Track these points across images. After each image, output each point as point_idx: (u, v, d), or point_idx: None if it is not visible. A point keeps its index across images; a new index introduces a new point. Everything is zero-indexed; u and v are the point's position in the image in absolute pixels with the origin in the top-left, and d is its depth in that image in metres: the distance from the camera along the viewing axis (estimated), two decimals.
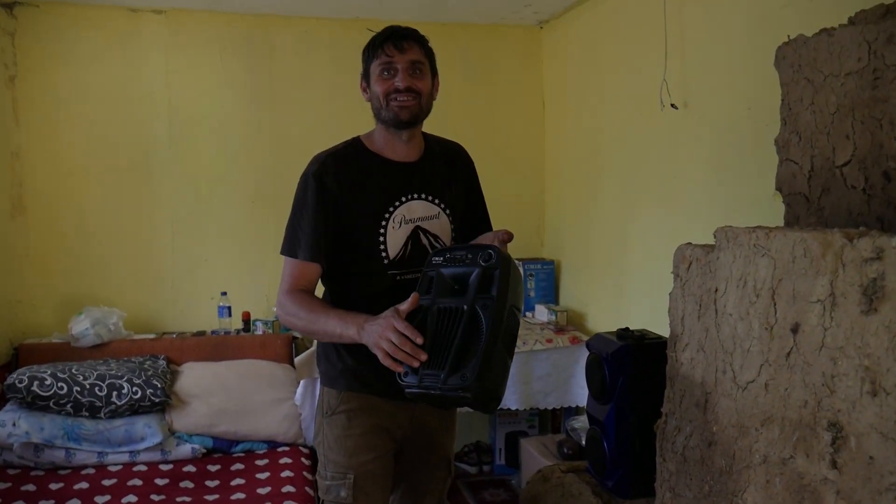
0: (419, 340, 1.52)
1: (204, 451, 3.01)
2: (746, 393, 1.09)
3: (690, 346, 1.23)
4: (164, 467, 2.89)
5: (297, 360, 3.11)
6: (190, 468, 2.89)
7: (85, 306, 3.44)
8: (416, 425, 1.90)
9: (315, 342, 3.06)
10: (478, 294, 1.56)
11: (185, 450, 2.97)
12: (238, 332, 3.62)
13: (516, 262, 1.68)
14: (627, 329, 1.90)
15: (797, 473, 0.99)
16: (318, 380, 3.06)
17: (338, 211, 1.77)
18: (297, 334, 3.62)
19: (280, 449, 3.07)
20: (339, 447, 1.83)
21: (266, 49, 3.77)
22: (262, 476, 2.81)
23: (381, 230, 1.79)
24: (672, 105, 2.75)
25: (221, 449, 3.05)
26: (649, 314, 3.03)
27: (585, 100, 3.61)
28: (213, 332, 3.60)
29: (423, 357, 1.52)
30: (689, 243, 1.30)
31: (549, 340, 3.29)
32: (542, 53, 4.11)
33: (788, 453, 1.01)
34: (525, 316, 3.71)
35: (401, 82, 1.75)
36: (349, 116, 3.84)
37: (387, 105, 1.77)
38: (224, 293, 3.62)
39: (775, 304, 1.04)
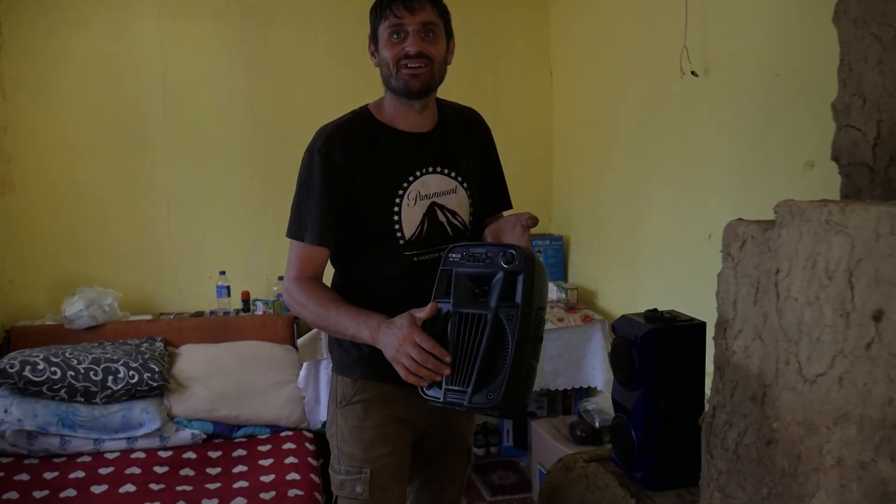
0: (447, 359, 1.44)
1: (204, 436, 2.90)
2: (816, 387, 0.97)
3: (745, 332, 1.11)
4: (163, 454, 2.78)
5: (299, 341, 2.99)
6: (190, 455, 2.78)
7: (79, 287, 3.32)
8: (435, 414, 1.78)
9: None
10: (501, 301, 1.45)
11: (185, 436, 2.86)
12: (237, 312, 3.50)
13: (539, 258, 1.55)
14: (656, 310, 1.77)
15: (880, 479, 0.88)
16: (321, 362, 2.99)
17: (347, 188, 1.64)
18: None
19: (283, 434, 2.96)
20: (355, 439, 1.72)
21: (263, 16, 3.61)
22: (266, 462, 2.70)
23: (396, 207, 1.66)
24: (692, 72, 2.60)
25: (222, 434, 2.94)
26: (666, 291, 2.92)
27: (596, 69, 3.46)
28: (211, 313, 3.48)
29: (447, 372, 1.44)
30: (741, 219, 1.18)
31: (560, 319, 3.17)
32: (549, 20, 3.95)
33: (869, 456, 0.89)
34: None
35: (412, 47, 1.59)
36: (351, 87, 3.72)
37: (397, 72, 1.62)
38: (222, 272, 3.50)
39: (853, 289, 0.92)
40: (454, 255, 1.54)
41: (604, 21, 3.37)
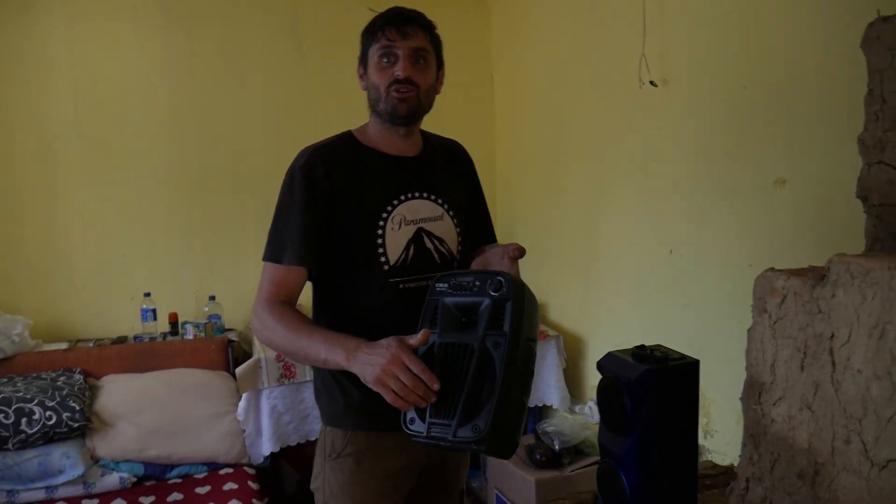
0: (435, 387, 1.29)
1: (134, 479, 2.63)
2: (887, 473, 0.86)
3: (788, 401, 1.00)
4: (88, 503, 2.50)
5: (238, 370, 2.76)
6: (119, 502, 2.51)
7: None
8: (432, 460, 1.67)
9: (274, 356, 2.74)
10: (488, 330, 1.34)
11: (112, 480, 2.59)
12: (165, 336, 3.23)
13: (530, 289, 1.44)
14: (643, 347, 1.65)
15: None
16: (262, 391, 2.77)
17: (329, 208, 1.55)
18: (233, 337, 3.26)
19: (223, 471, 2.72)
20: (346, 495, 1.59)
21: (185, 16, 3.33)
22: None
23: (380, 231, 1.57)
24: (651, 82, 2.51)
25: (154, 475, 2.68)
26: (623, 307, 2.84)
27: (545, 75, 3.34)
28: (136, 338, 3.20)
29: (433, 399, 1.31)
30: (773, 269, 1.06)
31: None
32: (491, 21, 3.81)
33: None
34: None
35: (401, 71, 1.54)
36: (289, 96, 3.50)
37: (386, 97, 1.56)
38: (147, 294, 3.21)
39: None
40: (441, 285, 1.43)
41: (553, 25, 3.25)
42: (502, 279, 1.37)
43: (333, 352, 1.40)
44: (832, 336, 0.93)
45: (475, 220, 1.79)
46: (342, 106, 3.45)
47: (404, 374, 1.30)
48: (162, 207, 3.36)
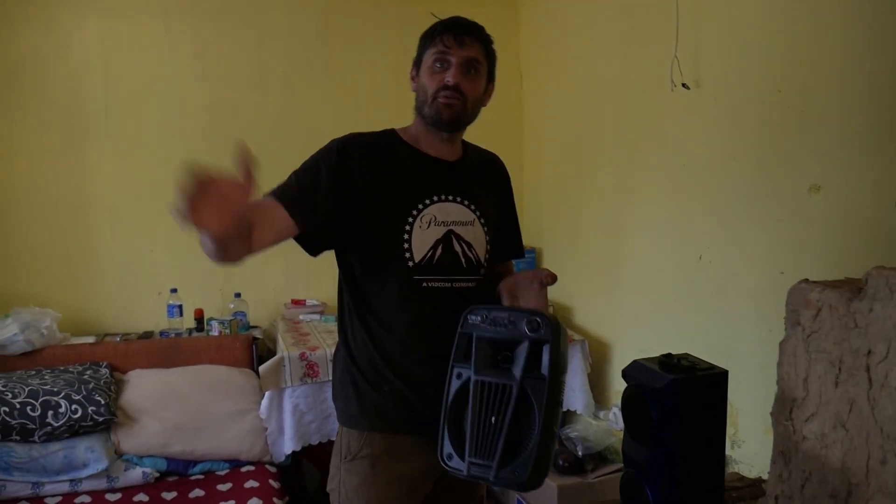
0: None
1: (157, 474, 2.65)
2: None
3: (821, 417, 0.96)
4: (111, 497, 2.52)
5: (261, 368, 2.76)
6: (141, 497, 2.53)
7: (12, 308, 3.01)
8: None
9: (298, 355, 2.73)
10: (526, 372, 1.36)
11: (136, 475, 2.61)
12: (190, 332, 3.25)
13: (562, 324, 1.45)
14: (670, 355, 1.62)
15: None
16: (285, 390, 2.77)
17: (357, 198, 1.54)
18: (258, 334, 3.27)
19: (244, 469, 2.73)
20: (360, 498, 1.58)
21: (215, 12, 3.35)
22: None
23: (407, 227, 1.57)
24: (683, 85, 2.47)
25: (177, 471, 2.69)
26: (650, 312, 2.79)
27: (573, 76, 3.30)
28: (161, 334, 3.22)
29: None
30: (807, 280, 1.02)
31: None
32: (519, 22, 3.79)
33: None
34: None
35: (451, 78, 1.55)
36: (315, 94, 3.50)
37: (432, 101, 1.57)
38: (174, 290, 3.23)
39: None
40: (474, 318, 1.43)
41: (583, 25, 3.21)
42: (539, 319, 1.39)
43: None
44: (869, 352, 0.89)
45: (505, 233, 1.77)
46: (369, 105, 3.46)
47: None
48: None
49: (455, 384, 1.42)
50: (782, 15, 2.09)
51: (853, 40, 1.86)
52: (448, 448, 1.40)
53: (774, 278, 2.13)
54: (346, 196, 1.54)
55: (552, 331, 1.37)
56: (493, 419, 1.36)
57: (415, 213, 1.58)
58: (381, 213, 1.56)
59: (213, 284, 3.41)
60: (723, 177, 2.36)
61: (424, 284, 1.58)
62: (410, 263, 1.57)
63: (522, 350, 1.37)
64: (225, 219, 1.16)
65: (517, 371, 1.37)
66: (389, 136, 1.66)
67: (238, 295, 3.33)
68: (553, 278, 1.56)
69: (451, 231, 1.61)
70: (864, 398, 0.90)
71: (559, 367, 1.39)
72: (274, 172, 3.39)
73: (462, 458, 1.37)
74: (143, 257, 3.34)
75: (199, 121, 3.36)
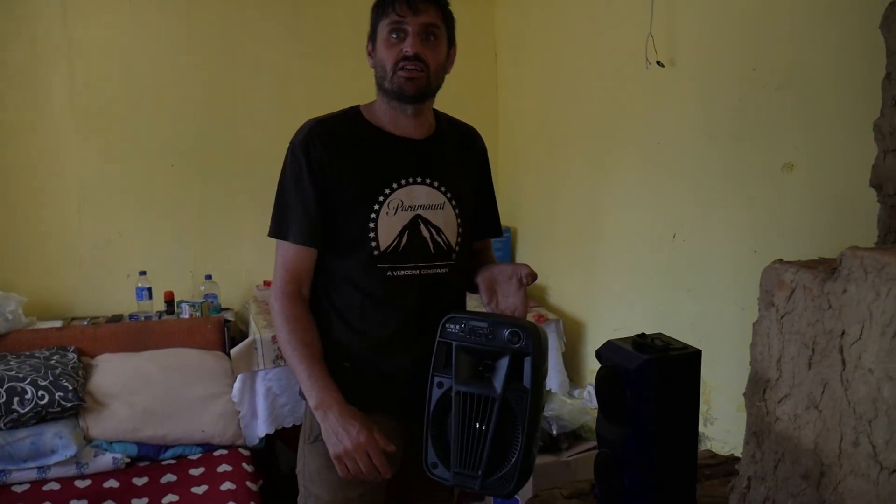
0: (387, 475, 1.48)
1: (128, 460, 2.60)
2: None
3: (794, 399, 0.95)
4: (80, 484, 2.48)
5: (233, 351, 2.73)
6: (112, 483, 2.49)
7: None
8: (415, 444, 1.61)
9: (270, 337, 2.70)
10: (509, 384, 1.39)
11: (106, 461, 2.56)
12: (160, 315, 3.19)
13: (543, 329, 1.49)
14: (644, 335, 1.61)
15: None
16: (258, 373, 2.73)
17: (326, 186, 1.52)
18: (230, 317, 3.23)
19: (217, 453, 2.70)
20: (322, 479, 1.56)
21: None
22: (199, 490, 2.44)
23: (373, 214, 1.52)
24: (658, 63, 2.45)
25: (148, 456, 2.65)
26: (624, 292, 2.79)
27: (549, 53, 3.27)
28: (131, 317, 3.16)
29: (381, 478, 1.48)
30: (781, 261, 1.01)
31: None
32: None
33: None
34: None
35: (410, 48, 1.48)
36: (288, 73, 3.42)
37: (392, 74, 1.50)
38: (143, 272, 3.17)
39: None
40: (452, 327, 1.45)
41: (557, 3, 3.17)
42: (519, 331, 1.40)
43: (309, 391, 1.48)
44: (843, 333, 0.89)
45: (481, 212, 1.73)
46: (343, 84, 3.38)
47: (364, 462, 1.44)
48: (159, 185, 3.31)
49: (436, 393, 1.44)
50: None
51: (828, 18, 1.85)
52: (432, 457, 1.44)
53: (748, 257, 2.13)
54: (322, 189, 1.52)
55: (534, 343, 1.39)
56: (476, 429, 1.39)
57: (381, 198, 1.53)
58: (346, 200, 1.52)
59: (183, 266, 3.36)
60: (697, 155, 2.35)
61: (390, 273, 1.54)
62: (376, 252, 1.53)
63: (504, 362, 1.39)
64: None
65: (498, 383, 1.39)
66: (353, 117, 1.59)
67: (209, 277, 3.28)
68: (533, 277, 1.54)
69: (418, 216, 1.56)
70: (838, 379, 0.89)
71: (541, 378, 1.42)
72: (243, 150, 3.33)
73: (447, 467, 1.42)
74: (112, 239, 3.28)
75: (168, 99, 3.29)
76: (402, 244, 1.55)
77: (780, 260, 1.01)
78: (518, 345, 1.39)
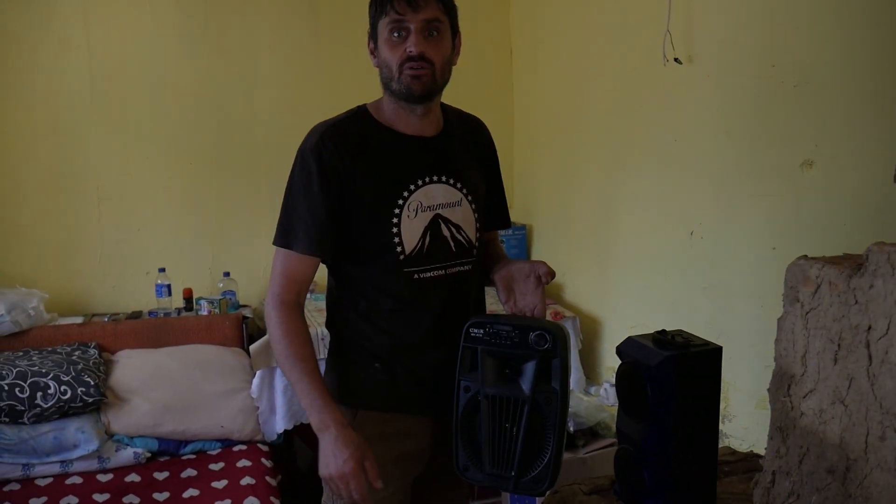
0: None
1: (149, 454, 2.64)
2: None
3: (819, 394, 0.96)
4: (102, 478, 2.51)
5: (252, 347, 2.75)
6: (133, 477, 2.52)
7: None
8: (440, 447, 1.63)
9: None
10: (537, 386, 1.42)
11: (127, 455, 2.60)
12: (179, 312, 3.22)
13: (566, 328, 1.53)
14: (664, 331, 1.61)
15: None
16: (276, 369, 2.75)
17: (340, 193, 1.48)
18: (248, 313, 3.25)
19: (236, 448, 2.72)
20: None
21: None
22: (219, 485, 2.46)
23: (395, 219, 1.50)
24: (676, 59, 2.45)
25: (168, 451, 2.68)
26: (641, 289, 2.79)
27: (564, 49, 3.27)
28: (150, 314, 3.20)
29: None
30: (806, 256, 1.02)
31: None
32: None
33: None
34: None
35: (413, 47, 1.43)
36: (305, 71, 3.44)
37: (399, 75, 1.46)
38: (162, 269, 3.20)
39: None
40: (476, 332, 1.47)
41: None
42: (545, 334, 1.43)
43: (309, 410, 1.47)
44: (869, 328, 0.89)
45: (492, 203, 1.72)
46: (359, 81, 3.36)
47: (345, 491, 1.43)
48: (178, 183, 3.34)
49: (463, 397, 1.47)
50: None
51: (848, 14, 1.84)
52: (463, 459, 1.47)
53: (767, 254, 2.12)
54: (337, 196, 1.48)
55: (560, 345, 1.41)
56: (507, 432, 1.42)
57: (401, 202, 1.50)
58: (366, 207, 1.49)
59: (201, 264, 3.38)
60: (715, 152, 2.35)
61: (416, 276, 1.53)
62: (402, 256, 1.51)
63: (531, 364, 1.41)
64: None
65: (527, 385, 1.42)
66: (362, 117, 1.55)
67: (227, 274, 3.30)
68: (551, 276, 1.54)
69: (437, 215, 1.54)
70: (864, 374, 0.90)
71: (568, 378, 1.45)
72: (261, 148, 3.36)
73: (479, 468, 1.45)
74: (131, 236, 3.31)
75: (187, 98, 3.31)
76: (426, 246, 1.53)
77: (805, 256, 1.02)
78: (545, 346, 1.41)
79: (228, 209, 3.40)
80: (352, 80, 3.37)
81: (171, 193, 3.34)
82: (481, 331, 1.45)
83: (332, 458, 1.42)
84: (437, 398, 1.56)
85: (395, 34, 1.44)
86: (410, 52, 1.43)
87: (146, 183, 3.31)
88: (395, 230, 1.49)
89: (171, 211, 3.35)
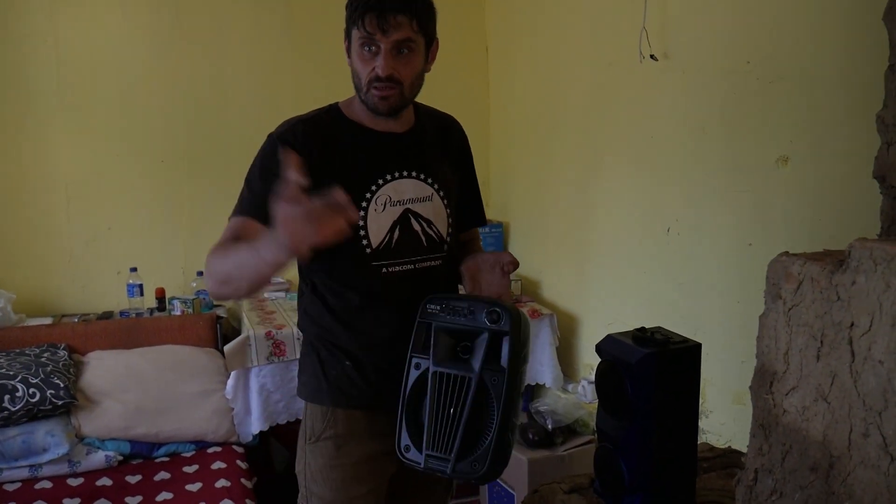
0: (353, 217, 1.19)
1: (120, 458, 2.58)
2: None
3: (802, 391, 0.95)
4: (73, 482, 2.45)
5: (226, 348, 2.70)
6: (105, 481, 2.46)
7: None
8: None
9: (263, 334, 2.67)
10: (486, 364, 1.37)
11: (98, 458, 2.54)
12: (151, 312, 3.17)
13: (525, 314, 1.48)
14: (644, 329, 1.61)
15: None
16: (251, 370, 2.71)
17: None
18: (222, 313, 3.20)
19: (211, 450, 2.68)
20: (325, 479, 1.55)
21: None
22: (193, 487, 2.42)
23: (361, 212, 1.49)
24: (652, 56, 2.45)
25: (141, 454, 2.63)
26: (618, 285, 2.80)
27: (540, 46, 3.26)
28: (122, 314, 3.14)
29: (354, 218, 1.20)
30: (788, 253, 1.01)
31: None
32: None
33: None
34: None
35: (381, 69, 1.42)
36: (277, 69, 3.40)
37: (367, 91, 1.46)
38: (134, 269, 3.14)
39: None
40: (433, 307, 1.44)
41: None
42: (499, 310, 1.39)
43: (259, 249, 1.25)
44: (852, 325, 0.89)
45: (467, 200, 1.72)
46: (331, 79, 3.34)
47: (288, 212, 1.17)
48: (149, 181, 3.28)
49: (413, 374, 1.43)
50: None
51: (822, 10, 1.85)
52: (405, 439, 1.41)
53: (743, 250, 2.13)
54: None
55: (512, 322, 1.37)
56: (451, 411, 1.36)
57: (368, 195, 1.49)
58: None
59: (174, 263, 3.33)
60: (691, 148, 2.36)
61: (384, 270, 1.52)
62: (368, 250, 1.50)
63: (482, 341, 1.37)
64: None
65: (476, 363, 1.37)
66: (333, 114, 1.55)
67: (200, 273, 3.25)
68: (515, 265, 1.54)
69: (408, 210, 1.54)
70: (847, 371, 0.89)
71: (519, 359, 1.40)
72: (233, 145, 3.30)
73: (420, 450, 1.39)
74: (102, 235, 3.25)
75: (158, 95, 3.26)
76: (395, 240, 1.52)
77: (787, 252, 1.01)
78: (497, 325, 1.37)
79: (201, 207, 3.34)
80: (324, 76, 3.34)
81: (142, 191, 3.28)
82: (437, 307, 1.43)
83: (277, 230, 1.19)
84: None
85: (366, 48, 1.42)
86: (379, 72, 1.42)
87: (117, 181, 3.24)
88: (361, 223, 1.48)
89: (142, 209, 3.29)
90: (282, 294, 3.25)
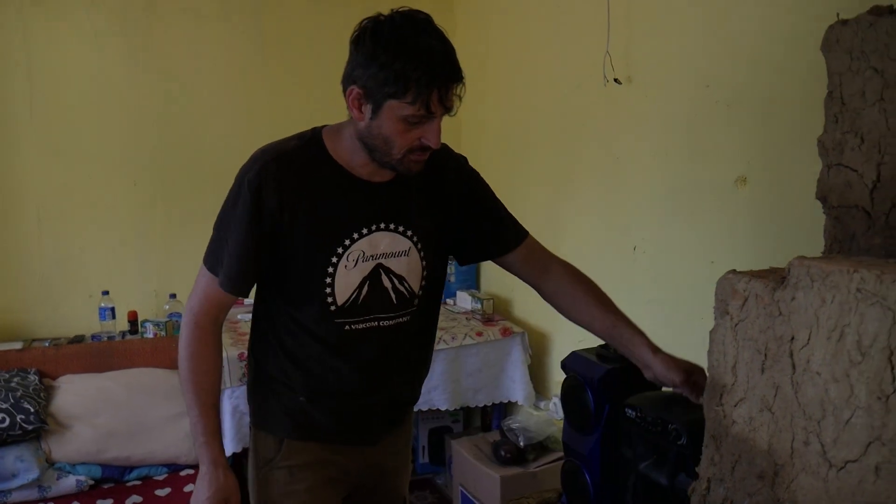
0: None
1: (92, 482, 2.57)
2: (845, 474, 0.87)
3: (749, 402, 1.00)
4: None
5: None
6: None
7: None
8: (370, 469, 1.63)
9: (236, 355, 2.68)
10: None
11: (69, 483, 2.53)
12: (124, 335, 3.16)
13: None
14: (607, 346, 1.67)
15: None
16: (224, 392, 2.72)
17: (273, 232, 1.39)
18: None
19: (183, 473, 2.68)
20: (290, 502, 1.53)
21: (144, 9, 3.25)
22: None
23: (331, 269, 1.41)
24: (615, 80, 2.52)
25: (113, 478, 2.62)
26: None
27: (508, 70, 3.33)
28: (94, 338, 3.13)
29: None
30: (735, 271, 1.06)
31: (479, 333, 3.04)
32: (455, 13, 3.79)
33: None
34: (445, 303, 3.45)
35: (433, 142, 1.32)
36: (250, 91, 3.43)
37: (401, 158, 1.34)
38: (106, 292, 3.14)
39: (893, 368, 0.81)
40: (630, 412, 1.45)
41: (517, 22, 3.24)
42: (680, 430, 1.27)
43: (193, 440, 1.44)
44: (792, 338, 0.94)
45: (492, 228, 1.63)
46: (304, 98, 3.41)
47: None
48: (121, 203, 3.29)
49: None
50: (711, 10, 2.14)
51: (778, 36, 1.92)
52: None
53: (705, 268, 2.19)
54: (268, 236, 1.39)
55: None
56: None
57: (340, 251, 1.40)
58: (300, 252, 1.40)
59: (146, 286, 3.33)
60: (655, 169, 2.42)
61: (347, 327, 1.45)
62: (333, 307, 1.43)
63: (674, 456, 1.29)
64: None
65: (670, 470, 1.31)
66: (314, 150, 1.41)
67: (173, 296, 3.25)
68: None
69: (379, 265, 1.44)
70: (788, 382, 0.94)
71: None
72: (206, 168, 3.31)
73: None
74: (73, 258, 3.24)
75: (130, 117, 3.27)
76: (362, 297, 1.44)
77: (734, 270, 1.06)
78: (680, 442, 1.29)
79: (174, 229, 3.35)
80: (298, 99, 3.40)
81: (114, 213, 3.28)
82: (635, 413, 1.42)
83: (197, 494, 1.41)
84: (364, 434, 1.57)
85: (413, 120, 1.29)
86: (428, 143, 1.32)
87: (89, 203, 3.24)
88: (327, 280, 1.41)
89: (115, 231, 3.29)
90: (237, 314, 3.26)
